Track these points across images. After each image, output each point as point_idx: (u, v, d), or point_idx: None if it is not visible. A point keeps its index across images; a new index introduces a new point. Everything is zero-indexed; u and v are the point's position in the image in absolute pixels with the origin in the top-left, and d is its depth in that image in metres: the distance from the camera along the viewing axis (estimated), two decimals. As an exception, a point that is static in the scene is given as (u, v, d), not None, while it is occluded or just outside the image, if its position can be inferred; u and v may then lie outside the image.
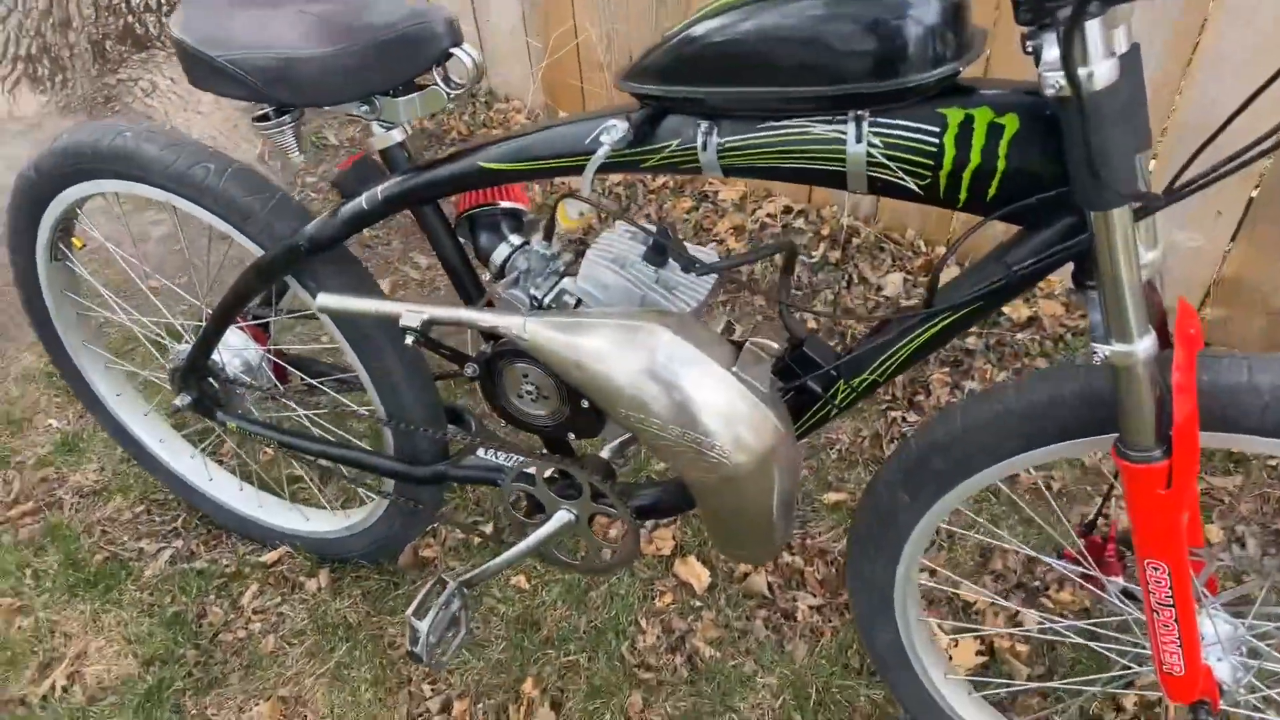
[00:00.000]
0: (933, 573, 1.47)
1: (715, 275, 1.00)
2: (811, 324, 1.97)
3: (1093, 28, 0.65)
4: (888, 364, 0.92)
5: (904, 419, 1.78)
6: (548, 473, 1.19)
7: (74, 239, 1.42)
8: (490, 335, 1.07)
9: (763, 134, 0.84)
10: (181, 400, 1.41)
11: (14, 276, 1.46)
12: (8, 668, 1.48)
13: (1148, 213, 0.74)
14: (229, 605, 1.57)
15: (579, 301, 1.03)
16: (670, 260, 0.98)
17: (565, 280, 1.05)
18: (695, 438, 0.89)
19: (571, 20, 2.47)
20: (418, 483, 1.34)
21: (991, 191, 0.79)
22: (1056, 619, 1.36)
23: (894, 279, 2.04)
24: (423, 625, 1.20)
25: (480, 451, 1.28)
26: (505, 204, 1.12)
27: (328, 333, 1.27)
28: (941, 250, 2.06)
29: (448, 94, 1.03)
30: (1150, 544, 0.85)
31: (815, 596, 1.51)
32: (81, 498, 1.77)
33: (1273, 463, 1.62)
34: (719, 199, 2.36)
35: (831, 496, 1.65)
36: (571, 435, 1.13)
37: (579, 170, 0.94)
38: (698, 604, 1.51)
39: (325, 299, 1.10)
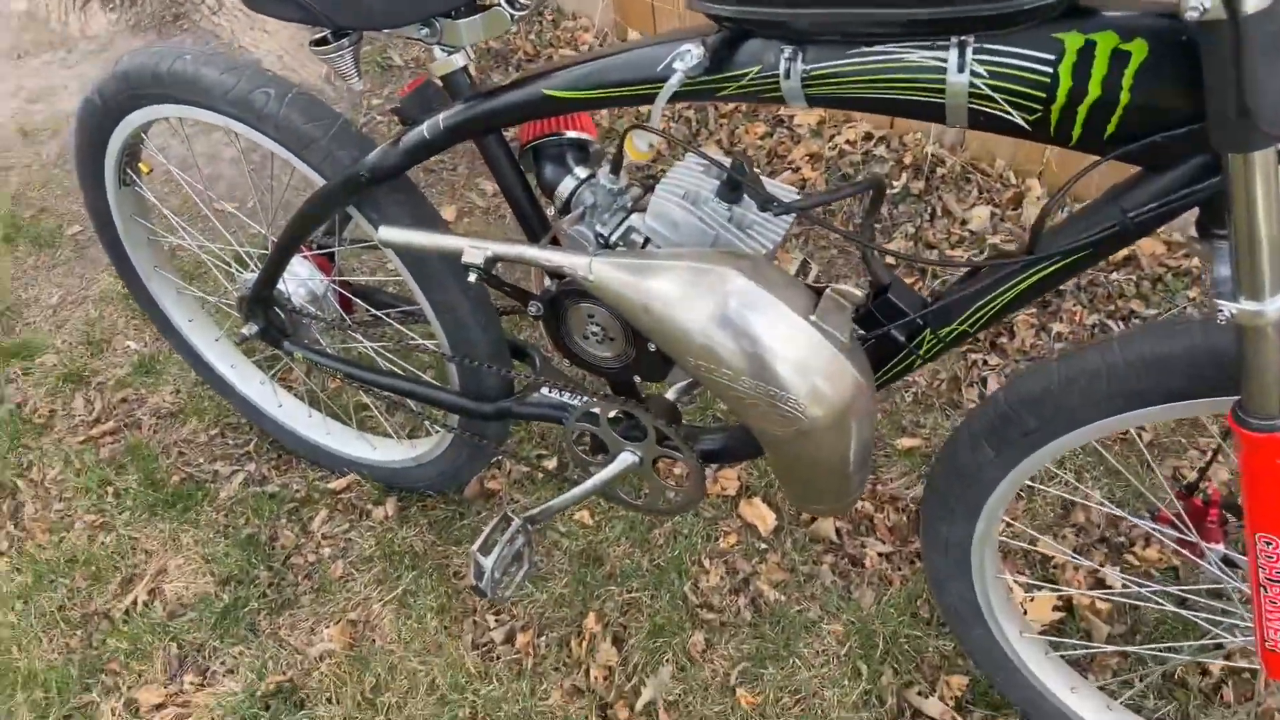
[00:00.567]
0: (1008, 524, 1.41)
1: (793, 214, 0.93)
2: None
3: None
4: (980, 314, 0.86)
5: (984, 362, 1.69)
6: (612, 414, 1.16)
7: (141, 164, 1.41)
8: (555, 274, 1.03)
9: (852, 61, 0.77)
10: (249, 329, 1.41)
11: (85, 201, 1.46)
12: (92, 582, 1.54)
13: (1295, 156, 0.65)
14: (299, 530, 1.60)
15: (647, 240, 0.97)
16: (745, 197, 0.92)
17: (633, 217, 1.00)
18: (769, 390, 0.84)
19: (644, -69, 2.34)
20: (482, 419, 1.32)
21: (1110, 128, 0.70)
22: (1143, 581, 1.29)
23: (980, 213, 1.93)
24: (487, 561, 1.20)
25: (545, 389, 1.26)
26: (571, 134, 1.07)
27: (392, 264, 1.24)
28: (1033, 183, 1.94)
29: (511, 14, 0.97)
30: (1265, 518, 0.78)
31: (884, 544, 1.46)
32: (159, 419, 1.81)
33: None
34: (794, 124, 2.25)
35: (905, 442, 1.59)
36: (637, 378, 1.09)
37: (649, 99, 0.88)
38: (763, 546, 1.48)
39: (387, 231, 1.07)
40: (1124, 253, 1.79)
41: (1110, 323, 1.71)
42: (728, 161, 0.90)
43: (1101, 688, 1.19)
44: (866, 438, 0.92)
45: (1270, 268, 0.67)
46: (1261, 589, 0.83)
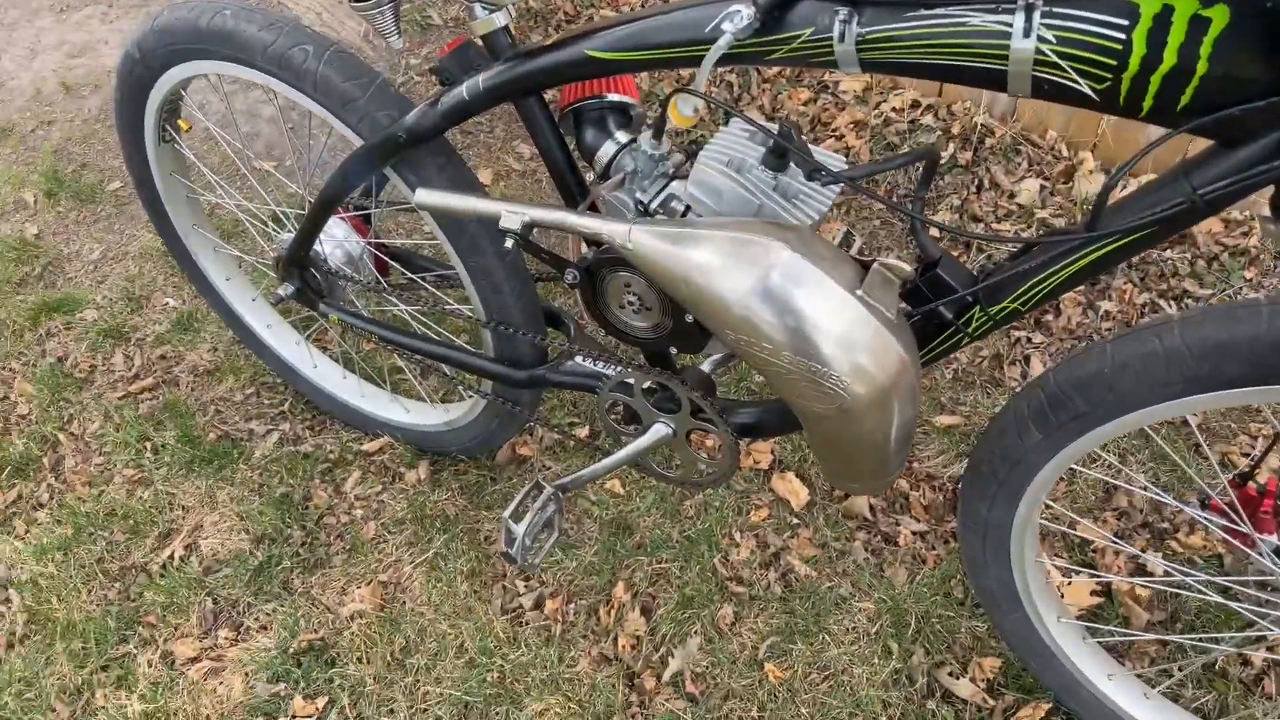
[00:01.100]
0: (1047, 506, 1.38)
1: (840, 185, 0.90)
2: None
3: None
4: (1033, 292, 0.82)
5: (1029, 340, 1.65)
6: (646, 384, 1.14)
7: (181, 121, 1.41)
8: (593, 241, 1.01)
9: (910, 24, 0.73)
10: (285, 289, 1.41)
11: (124, 157, 1.46)
12: (130, 535, 1.57)
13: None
14: (333, 490, 1.61)
15: (688, 208, 0.95)
16: (792, 165, 0.89)
17: (674, 184, 0.97)
18: (810, 366, 0.82)
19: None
20: (516, 385, 1.31)
21: (1184, 99, 0.67)
22: (1187, 570, 1.26)
23: (1029, 185, 1.87)
24: (518, 529, 1.20)
25: (579, 358, 1.24)
26: (613, 97, 1.04)
27: (428, 226, 1.23)
28: (1086, 156, 1.87)
29: (555, -28, 0.94)
30: (1326, 513, 0.75)
31: (919, 522, 1.44)
32: (196, 377, 1.82)
33: None
34: (839, 90, 2.19)
35: (944, 420, 1.56)
36: (673, 349, 1.07)
37: (696, 61, 0.85)
38: (794, 521, 1.47)
39: (424, 194, 1.06)
40: (1178, 230, 1.73)
41: (1162, 302, 1.66)
42: (774, 128, 0.87)
43: (1139, 675, 1.17)
44: (909, 417, 0.89)
45: (1351, 251, 0.63)
46: (1318, 585, 0.80)
